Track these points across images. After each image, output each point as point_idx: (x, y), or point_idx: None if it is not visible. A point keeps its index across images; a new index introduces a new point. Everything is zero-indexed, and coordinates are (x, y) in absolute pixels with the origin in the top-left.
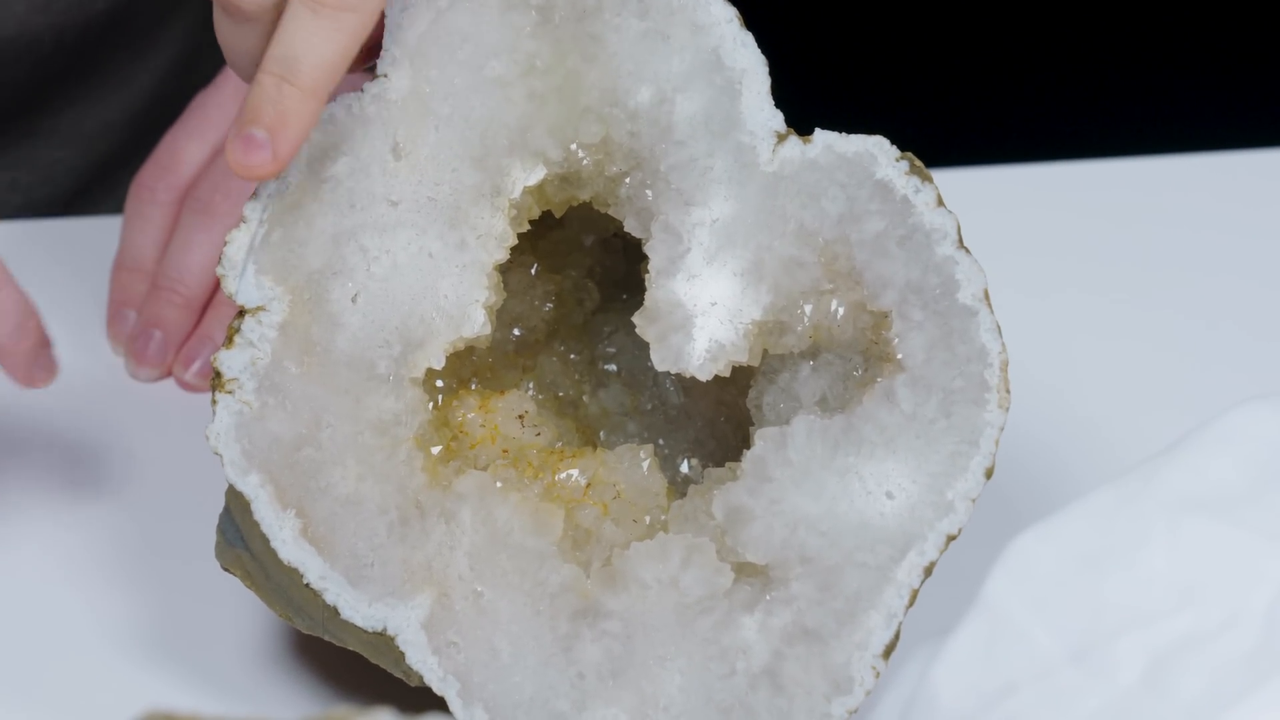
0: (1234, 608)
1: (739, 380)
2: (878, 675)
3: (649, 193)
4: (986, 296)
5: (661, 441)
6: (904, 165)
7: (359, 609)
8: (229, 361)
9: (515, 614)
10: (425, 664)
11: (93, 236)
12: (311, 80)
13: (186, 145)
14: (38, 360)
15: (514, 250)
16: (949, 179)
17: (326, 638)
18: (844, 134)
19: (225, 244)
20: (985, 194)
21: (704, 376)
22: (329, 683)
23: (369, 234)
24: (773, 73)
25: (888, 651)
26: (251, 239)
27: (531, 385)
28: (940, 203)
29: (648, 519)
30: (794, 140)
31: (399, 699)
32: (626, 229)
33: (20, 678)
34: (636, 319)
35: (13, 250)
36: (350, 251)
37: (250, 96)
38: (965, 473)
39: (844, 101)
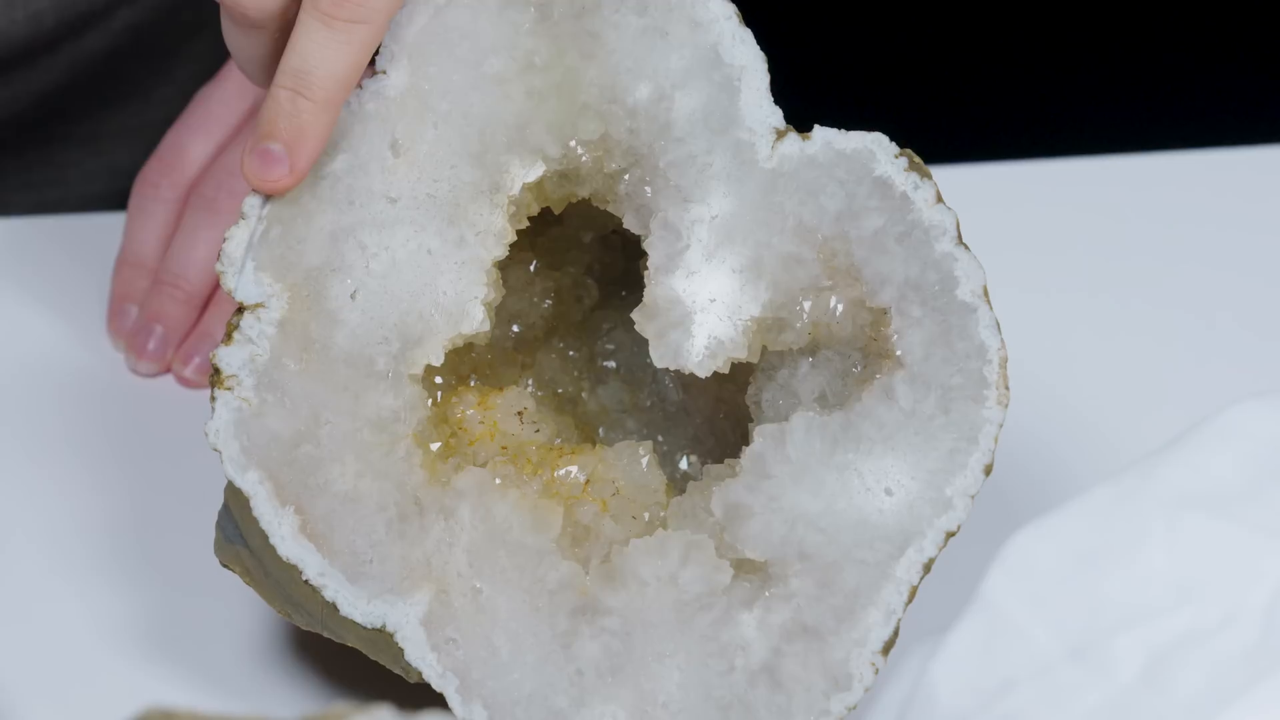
0: (1233, 605)
1: (738, 377)
2: (876, 672)
3: (648, 189)
4: (985, 293)
5: (660, 438)
6: (903, 162)
7: (358, 605)
8: (228, 358)
9: (514, 611)
10: (424, 660)
11: (95, 232)
12: (325, 93)
13: (191, 142)
14: None
15: (513, 247)
16: (948, 176)
17: (325, 634)
18: (843, 131)
19: (224, 241)
20: (984, 191)
21: (703, 373)
22: (328, 679)
23: (368, 231)
24: (772, 69)
25: (886, 648)
26: (250, 236)
27: (530, 382)
28: (939, 199)
29: (647, 516)
30: (793, 137)
31: (398, 695)
32: (625, 226)
33: (19, 675)
34: (635, 316)
35: (14, 246)
36: (349, 248)
37: (264, 110)
38: (964, 470)
39: (843, 98)
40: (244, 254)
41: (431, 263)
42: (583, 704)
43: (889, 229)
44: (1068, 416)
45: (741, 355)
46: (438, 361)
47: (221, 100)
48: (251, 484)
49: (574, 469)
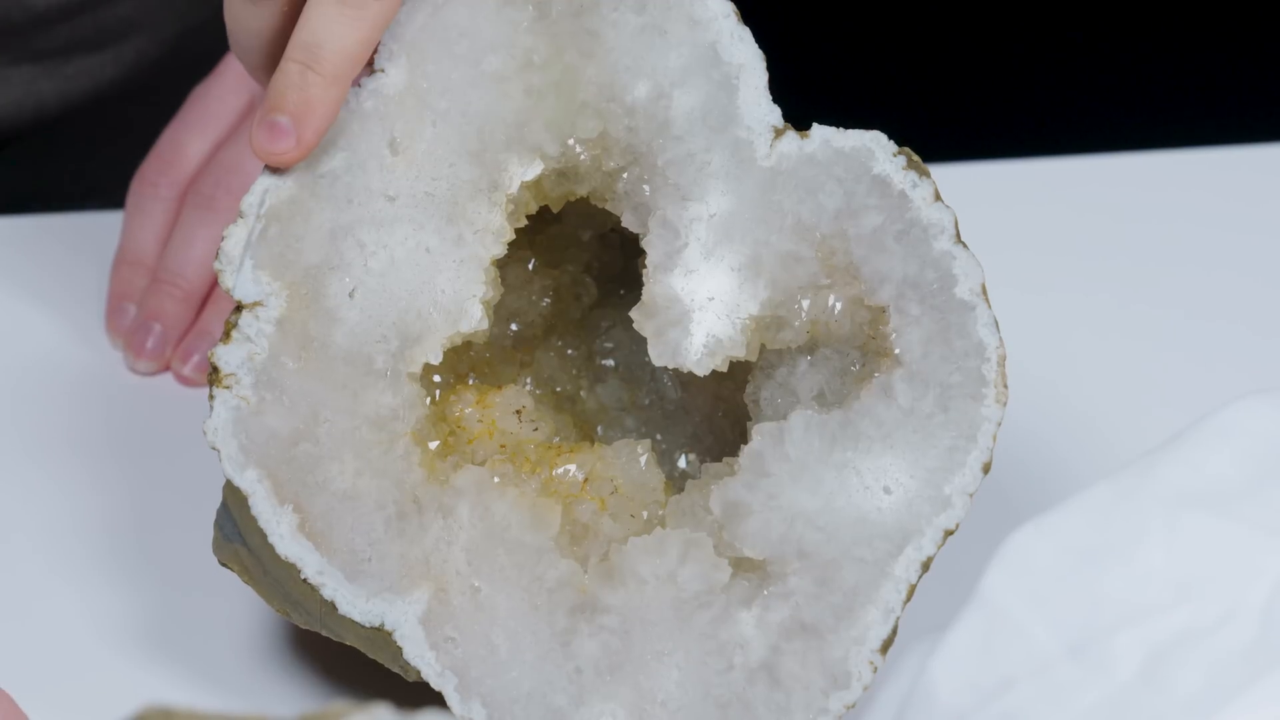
0: (1231, 602)
1: (737, 375)
2: (875, 670)
3: (646, 188)
4: (984, 291)
5: (659, 437)
6: (901, 160)
7: (356, 604)
8: (226, 356)
9: (513, 609)
10: (423, 659)
11: (93, 230)
12: (334, 67)
13: (188, 140)
14: None
15: (511, 245)
16: (946, 174)
17: (324, 633)
18: (841, 129)
19: (223, 239)
20: (983, 189)
21: (701, 372)
22: (326, 678)
23: (366, 229)
24: (770, 68)
25: (885, 646)
26: (249, 234)
27: (529, 380)
28: (938, 198)
29: (645, 514)
30: (791, 135)
31: (396, 694)
32: (624, 224)
33: (17, 673)
34: (634, 314)
35: (13, 244)
36: (347, 247)
37: (274, 83)
38: (963, 468)
39: (841, 96)
40: (242, 252)
41: (430, 261)
42: (582, 702)
43: (887, 227)
44: (1066, 415)
45: (740, 353)
46: (436, 360)
47: (218, 97)
48: (250, 482)
49: (572, 467)
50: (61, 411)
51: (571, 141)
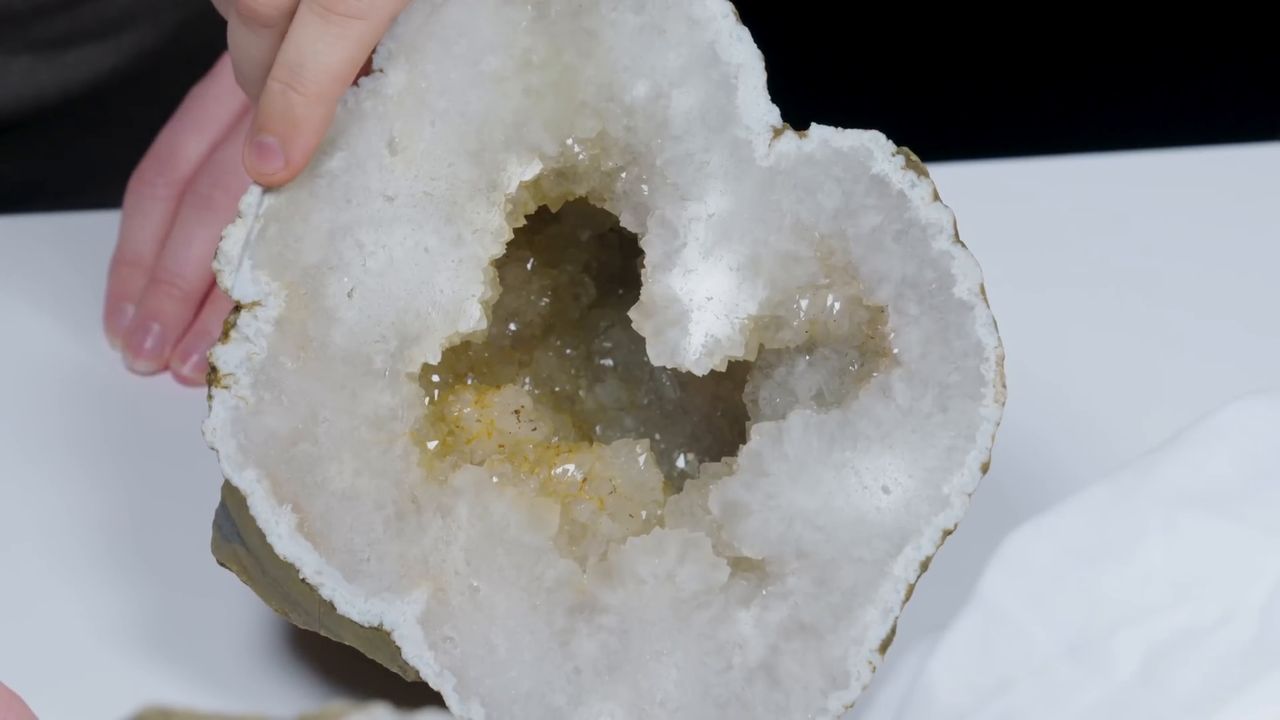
0: (1230, 602)
1: (735, 375)
2: (874, 670)
3: (645, 188)
4: (983, 291)
5: (658, 436)
6: (900, 160)
7: (355, 604)
8: (225, 356)
9: (512, 609)
10: (422, 659)
11: (92, 231)
12: (317, 87)
13: (185, 140)
14: None
15: (510, 245)
16: (945, 174)
17: (323, 633)
18: (840, 129)
19: (221, 239)
20: (982, 189)
21: (700, 371)
22: (325, 678)
23: (365, 229)
24: (769, 67)
25: (884, 646)
26: (247, 234)
27: (528, 380)
28: (936, 197)
29: (644, 514)
30: (790, 135)
31: (395, 694)
32: (623, 224)
33: (16, 673)
34: (633, 314)
35: (12, 244)
36: (346, 247)
37: (261, 103)
38: (961, 468)
39: (840, 96)
40: (241, 252)
41: (429, 261)
42: (580, 702)
43: (886, 227)
44: (1065, 414)
45: (739, 353)
46: (435, 360)
47: (215, 97)
48: (249, 482)
49: (571, 467)
50: (60, 411)
51: (570, 141)
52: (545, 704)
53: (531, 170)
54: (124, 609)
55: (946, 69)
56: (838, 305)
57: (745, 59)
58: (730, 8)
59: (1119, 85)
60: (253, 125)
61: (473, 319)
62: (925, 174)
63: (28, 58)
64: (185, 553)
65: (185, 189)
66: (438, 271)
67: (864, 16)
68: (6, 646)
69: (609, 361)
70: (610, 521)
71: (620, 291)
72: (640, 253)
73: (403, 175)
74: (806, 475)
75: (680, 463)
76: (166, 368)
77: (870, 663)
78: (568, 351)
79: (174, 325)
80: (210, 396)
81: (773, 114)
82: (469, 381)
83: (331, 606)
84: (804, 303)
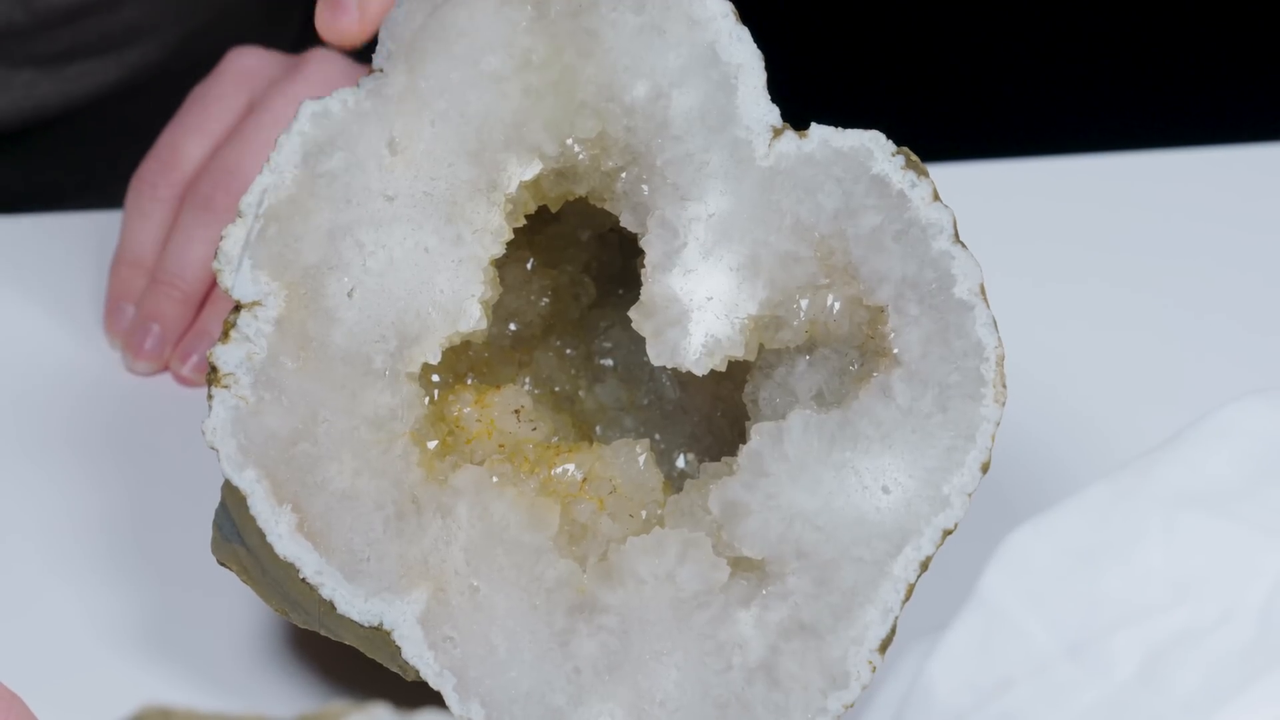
0: (1230, 603)
1: (735, 375)
2: (874, 670)
3: (645, 187)
4: (983, 291)
5: (658, 436)
6: (900, 160)
7: (355, 604)
8: (225, 356)
9: (511, 609)
10: (421, 659)
11: (92, 231)
12: None
13: (186, 141)
14: None
15: (510, 245)
16: (945, 174)
17: (323, 632)
18: (840, 129)
19: (221, 239)
20: (982, 189)
21: (700, 371)
22: (325, 678)
23: (365, 229)
24: (769, 67)
25: (884, 646)
26: (247, 234)
27: (528, 380)
28: (936, 197)
29: (644, 514)
30: (790, 135)
31: (395, 694)
32: (623, 224)
33: (15, 673)
34: (633, 314)
35: (12, 244)
36: (346, 246)
37: None
38: (961, 468)
39: (840, 96)
40: (241, 252)
41: (429, 261)
42: (580, 702)
43: (886, 227)
44: (1065, 414)
45: (739, 353)
46: (435, 360)
47: (217, 99)
48: (249, 482)
49: (571, 467)
50: (60, 411)
51: (570, 141)
52: (545, 704)
53: (531, 170)
54: (124, 609)
55: (946, 69)
56: (838, 305)
57: (745, 59)
58: (730, 8)
59: (1119, 85)
60: None
61: (473, 319)
62: (925, 174)
63: (30, 71)
64: (185, 553)
65: (186, 190)
66: (438, 271)
67: (864, 16)
68: (6, 646)
69: (609, 361)
70: (610, 521)
71: (620, 291)
72: (640, 253)
73: (403, 175)
74: (806, 475)
75: (680, 463)
76: (166, 368)
77: (870, 663)
78: (568, 351)
79: (174, 326)
80: (210, 396)
81: (773, 114)
82: (469, 381)
83: (331, 606)
84: (804, 303)
